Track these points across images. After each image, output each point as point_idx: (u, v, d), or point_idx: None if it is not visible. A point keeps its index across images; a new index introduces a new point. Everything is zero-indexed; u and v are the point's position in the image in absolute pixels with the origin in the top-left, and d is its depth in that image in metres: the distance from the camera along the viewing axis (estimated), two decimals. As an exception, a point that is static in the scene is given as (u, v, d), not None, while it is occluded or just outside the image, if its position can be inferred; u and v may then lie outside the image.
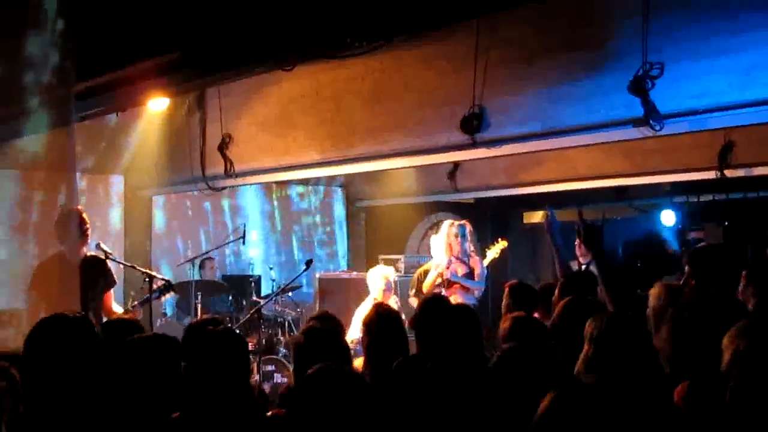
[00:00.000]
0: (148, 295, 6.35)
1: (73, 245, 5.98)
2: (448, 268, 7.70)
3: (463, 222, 7.98)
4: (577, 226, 4.65)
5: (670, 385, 2.77)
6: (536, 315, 4.97)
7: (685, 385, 2.76)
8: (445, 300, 4.78)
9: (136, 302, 6.59)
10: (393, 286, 7.76)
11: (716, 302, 2.92)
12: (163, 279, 6.64)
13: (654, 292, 3.85)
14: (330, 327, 4.12)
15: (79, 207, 6.03)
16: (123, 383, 2.96)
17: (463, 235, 7.76)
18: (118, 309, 6.33)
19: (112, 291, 6.29)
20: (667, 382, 2.78)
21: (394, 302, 7.69)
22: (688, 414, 2.63)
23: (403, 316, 4.79)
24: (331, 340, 3.85)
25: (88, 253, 6.14)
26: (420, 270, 8.51)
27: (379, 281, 7.67)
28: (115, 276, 6.36)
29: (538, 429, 1.94)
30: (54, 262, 6.05)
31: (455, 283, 7.76)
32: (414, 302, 8.17)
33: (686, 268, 4.07)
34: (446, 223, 8.02)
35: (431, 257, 8.80)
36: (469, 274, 7.75)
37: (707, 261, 4.08)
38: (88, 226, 6.03)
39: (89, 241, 6.15)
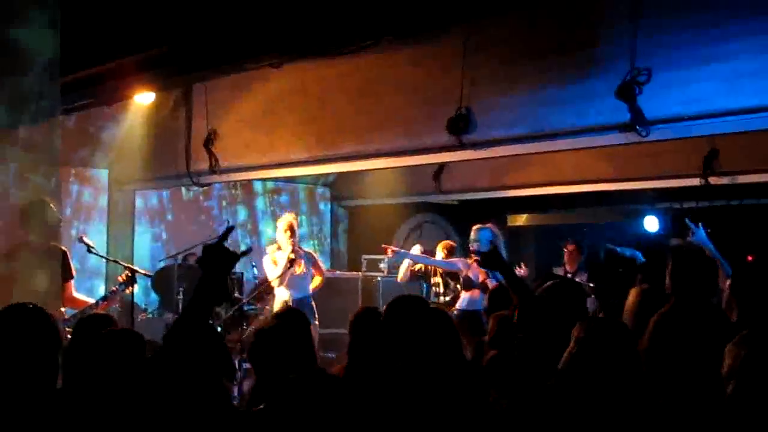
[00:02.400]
0: (114, 288, 6.29)
1: (39, 235, 5.89)
2: (469, 269, 7.29)
3: (486, 226, 7.37)
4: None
5: (649, 390, 2.79)
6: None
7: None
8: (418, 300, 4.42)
9: (105, 295, 6.49)
10: (296, 230, 7.66)
11: (698, 315, 2.95)
12: (145, 273, 6.58)
13: (633, 292, 3.93)
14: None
15: (47, 198, 5.92)
16: (84, 375, 2.91)
17: (478, 240, 7.25)
18: (80, 296, 6.22)
19: (72, 281, 6.17)
20: (647, 386, 2.79)
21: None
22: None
23: None
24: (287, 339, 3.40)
25: (51, 244, 6.03)
26: None
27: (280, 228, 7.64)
28: (73, 269, 6.23)
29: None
30: (18, 250, 5.95)
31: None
32: None
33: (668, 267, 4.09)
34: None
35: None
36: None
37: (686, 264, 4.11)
38: (60, 218, 5.95)
39: (59, 232, 6.04)
